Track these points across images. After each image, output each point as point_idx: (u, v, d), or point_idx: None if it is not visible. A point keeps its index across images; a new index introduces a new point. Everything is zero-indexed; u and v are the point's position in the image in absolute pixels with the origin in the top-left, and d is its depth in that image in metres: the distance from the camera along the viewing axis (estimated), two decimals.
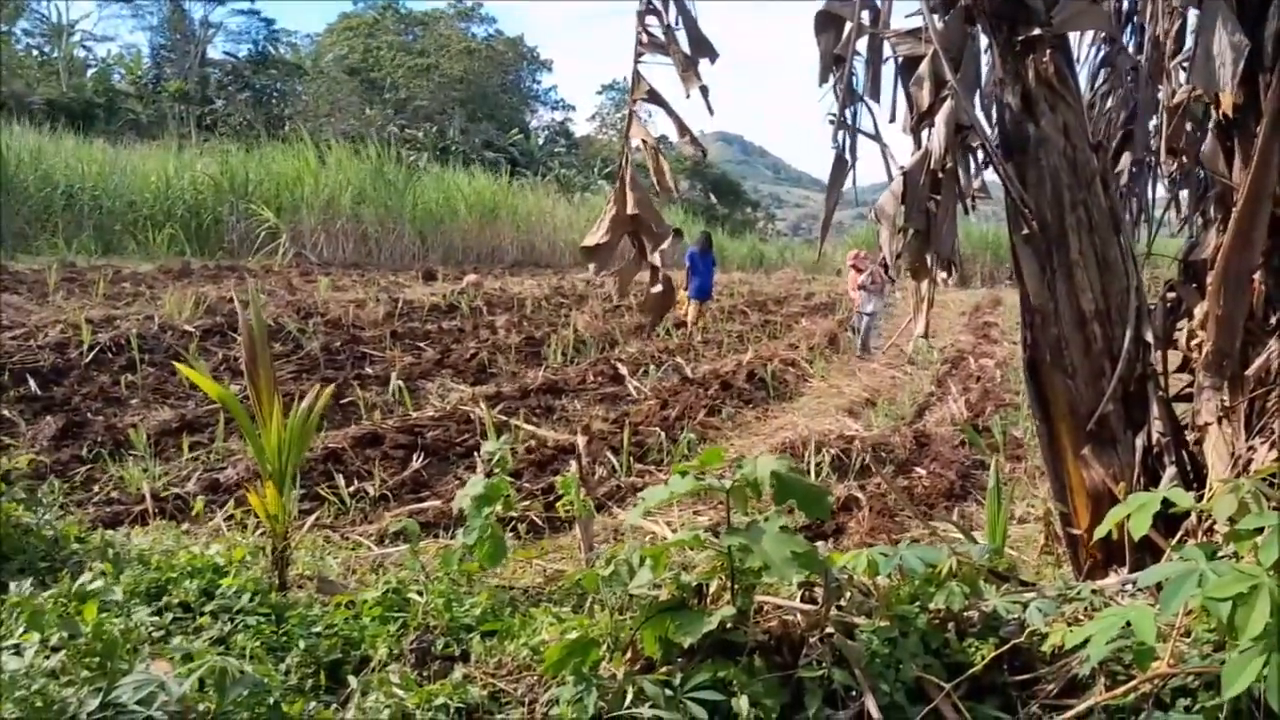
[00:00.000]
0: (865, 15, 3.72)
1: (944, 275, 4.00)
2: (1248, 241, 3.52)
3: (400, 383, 9.88)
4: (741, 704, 2.67)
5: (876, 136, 3.88)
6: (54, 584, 3.51)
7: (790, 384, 12.34)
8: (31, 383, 8.77)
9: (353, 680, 3.21)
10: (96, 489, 6.54)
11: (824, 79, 3.82)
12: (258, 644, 3.37)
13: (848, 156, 3.87)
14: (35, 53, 43.48)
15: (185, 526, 5.42)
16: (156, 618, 3.49)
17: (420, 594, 3.81)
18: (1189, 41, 3.87)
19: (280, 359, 10.75)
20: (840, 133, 3.83)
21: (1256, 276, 3.63)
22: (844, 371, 13.82)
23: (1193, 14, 3.55)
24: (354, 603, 3.78)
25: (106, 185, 21.86)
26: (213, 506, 6.03)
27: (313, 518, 5.82)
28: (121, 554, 4.16)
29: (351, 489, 6.67)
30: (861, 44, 3.78)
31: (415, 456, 7.60)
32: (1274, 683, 2.08)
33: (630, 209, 4.01)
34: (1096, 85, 4.26)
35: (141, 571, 3.89)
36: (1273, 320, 3.62)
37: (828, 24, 3.80)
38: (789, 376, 12.61)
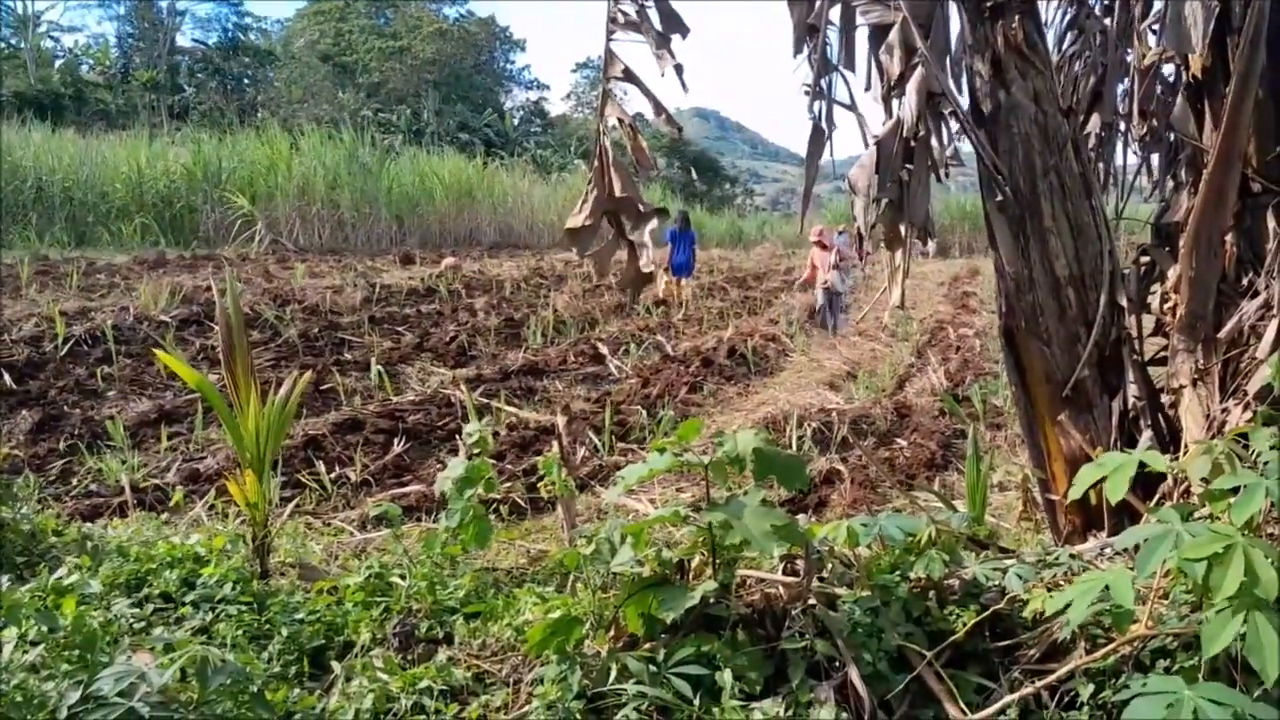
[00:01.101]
0: None
1: (921, 247, 4.00)
2: (1219, 204, 3.53)
3: (380, 368, 9.83)
4: (725, 677, 2.68)
5: (852, 106, 3.86)
6: (32, 578, 3.48)
7: (771, 359, 12.36)
8: (6, 377, 8.68)
9: (336, 666, 3.21)
10: (74, 482, 6.49)
11: (798, 49, 3.80)
12: (240, 632, 3.36)
13: (824, 126, 3.84)
14: (1, 45, 42.84)
15: (165, 517, 5.38)
16: (137, 609, 3.47)
17: (403, 578, 3.81)
18: (1157, 4, 3.88)
19: (258, 347, 10.68)
20: (816, 103, 3.81)
21: (1228, 238, 3.64)
22: (824, 345, 13.84)
23: None
24: (336, 588, 3.78)
25: (78, 177, 21.59)
26: (192, 496, 5.99)
27: (293, 504, 5.81)
28: (100, 546, 4.13)
29: (333, 475, 6.65)
30: (835, 13, 3.75)
31: (396, 441, 7.58)
32: (1253, 641, 2.10)
33: (619, 192, 3.98)
34: (1064, 48, 4.25)
35: (121, 563, 3.87)
36: (1245, 282, 3.64)
37: None
38: (770, 352, 12.64)
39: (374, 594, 3.73)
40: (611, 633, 3.04)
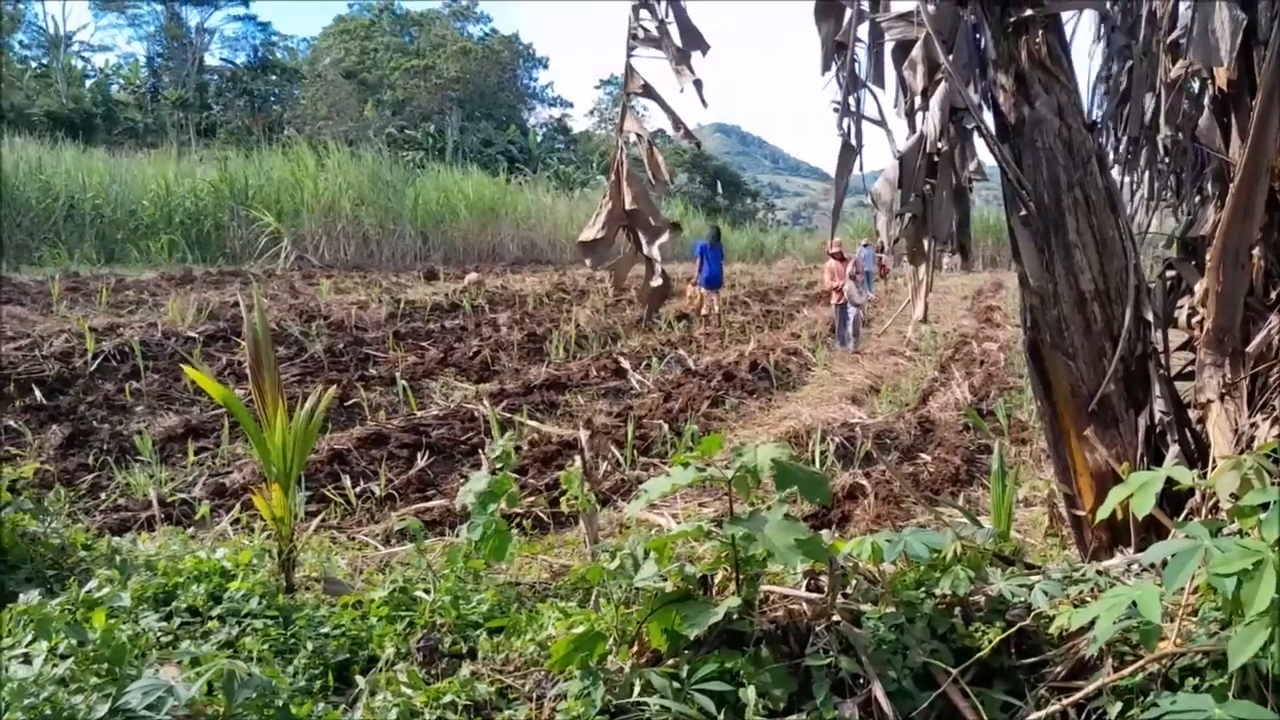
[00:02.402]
0: (865, 1, 3.70)
1: (957, 258, 3.98)
2: (1246, 217, 3.50)
3: (404, 382, 9.89)
4: (749, 694, 2.67)
5: (881, 122, 3.85)
6: (62, 591, 3.52)
7: (793, 373, 12.33)
8: (37, 392, 8.79)
9: (361, 680, 3.22)
10: (103, 496, 6.56)
11: (826, 67, 3.79)
12: (266, 646, 3.38)
13: (853, 143, 3.84)
14: (33, 64, 43.50)
15: (192, 531, 5.43)
16: (164, 623, 3.51)
17: (427, 592, 3.82)
18: (1183, 16, 3.85)
19: (284, 362, 10.76)
20: (845, 120, 3.80)
21: (1255, 252, 3.61)
22: (847, 359, 13.80)
23: None
24: (361, 603, 3.80)
25: (107, 194, 21.88)
26: (219, 511, 6.05)
27: (318, 519, 5.84)
28: (129, 560, 4.17)
29: (357, 489, 6.69)
30: (863, 30, 3.75)
31: (420, 455, 7.62)
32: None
33: (629, 204, 3.99)
34: (1125, 63, 4.19)
35: (149, 577, 3.91)
36: (1273, 295, 3.61)
37: (828, 11, 3.77)
38: (792, 365, 12.61)
39: (398, 608, 3.74)
40: (635, 648, 3.03)
